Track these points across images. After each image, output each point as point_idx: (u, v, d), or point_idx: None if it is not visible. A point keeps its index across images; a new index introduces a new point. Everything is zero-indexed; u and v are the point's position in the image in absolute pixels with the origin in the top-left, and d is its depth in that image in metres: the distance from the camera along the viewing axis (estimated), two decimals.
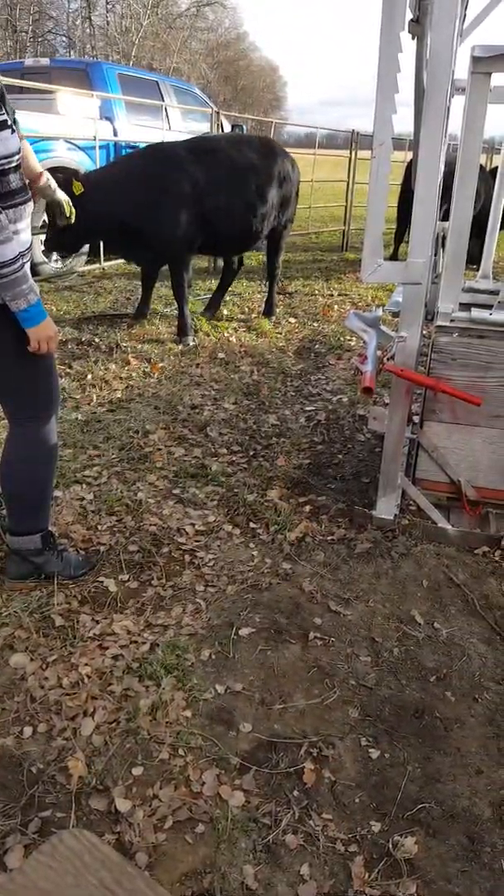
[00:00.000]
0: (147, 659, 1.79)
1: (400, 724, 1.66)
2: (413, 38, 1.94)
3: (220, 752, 1.55)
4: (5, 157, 1.65)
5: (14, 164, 1.69)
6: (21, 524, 2.04)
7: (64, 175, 3.90)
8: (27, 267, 1.69)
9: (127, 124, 6.86)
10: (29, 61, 7.80)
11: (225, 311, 5.43)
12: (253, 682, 1.75)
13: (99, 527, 2.39)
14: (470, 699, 1.73)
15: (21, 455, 1.97)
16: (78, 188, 3.91)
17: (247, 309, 5.64)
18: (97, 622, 1.93)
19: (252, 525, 2.46)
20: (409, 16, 1.85)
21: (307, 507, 2.57)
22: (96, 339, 4.47)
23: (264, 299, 5.53)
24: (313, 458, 3.02)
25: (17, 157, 1.71)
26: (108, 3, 34.60)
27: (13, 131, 1.72)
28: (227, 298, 5.75)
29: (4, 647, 1.82)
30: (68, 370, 3.94)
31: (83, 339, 4.50)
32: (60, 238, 4.20)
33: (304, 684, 1.76)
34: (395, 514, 2.40)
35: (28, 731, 1.59)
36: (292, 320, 5.42)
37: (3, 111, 1.66)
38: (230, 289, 5.68)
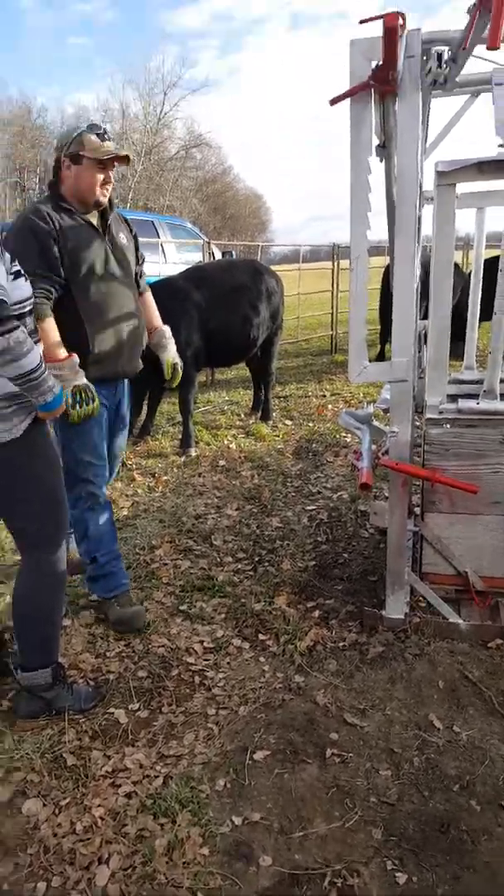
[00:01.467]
0: (161, 794, 1.72)
1: (426, 841, 1.57)
2: (381, 161, 2.12)
3: (241, 891, 1.46)
4: (19, 303, 1.80)
5: (28, 309, 1.84)
6: (32, 659, 2.03)
7: None
8: (48, 375, 1.83)
9: None
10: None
11: (223, 419, 5.60)
12: (271, 810, 1.67)
13: (108, 653, 2.37)
14: (496, 806, 1.64)
15: (31, 587, 1.99)
16: None
17: (244, 415, 5.81)
18: (109, 758, 1.87)
19: (261, 637, 2.42)
20: (375, 141, 2.06)
21: (316, 612, 2.54)
22: None
23: (260, 405, 5.71)
24: (318, 558, 3.02)
25: (28, 302, 1.85)
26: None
27: (26, 279, 1.88)
28: (226, 407, 5.95)
29: (17, 793, 1.77)
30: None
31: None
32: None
33: (323, 807, 1.68)
34: (406, 613, 2.37)
35: (42, 886, 1.52)
36: (288, 422, 5.57)
37: (16, 262, 1.83)
38: (228, 397, 5.89)
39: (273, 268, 5.77)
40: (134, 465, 4.52)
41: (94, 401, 2.23)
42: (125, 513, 3.72)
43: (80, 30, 69.98)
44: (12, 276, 1.80)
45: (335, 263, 9.66)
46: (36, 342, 1.82)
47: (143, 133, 31.17)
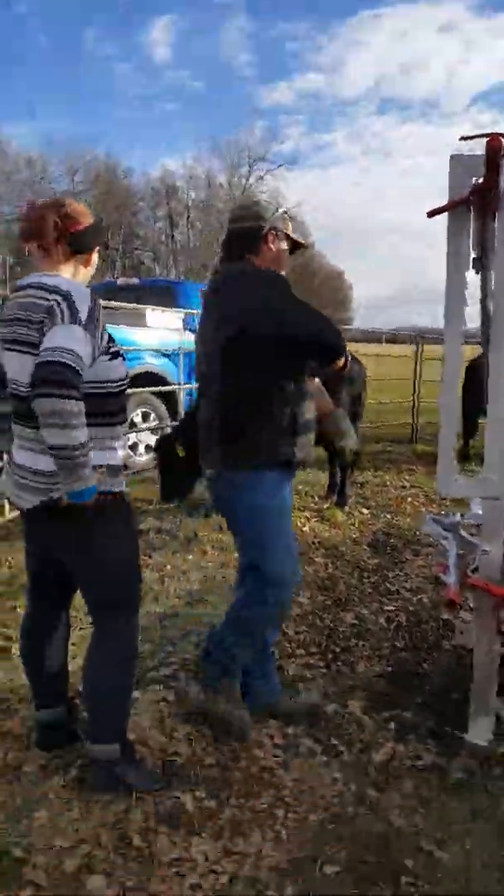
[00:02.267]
0: (227, 893, 1.76)
1: None
2: (477, 273, 2.22)
3: None
4: (113, 382, 1.97)
5: (118, 389, 1.99)
6: (101, 731, 2.11)
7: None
8: (91, 455, 1.82)
9: None
10: (121, 280, 9.18)
11: (297, 500, 5.72)
12: None
13: (175, 734, 2.43)
14: None
15: (104, 656, 2.09)
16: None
17: (317, 498, 5.92)
18: (175, 844, 1.93)
19: (333, 741, 2.44)
20: (472, 255, 2.19)
21: (392, 725, 2.55)
22: (173, 529, 4.76)
23: (336, 489, 5.81)
24: (396, 665, 3.02)
25: (123, 382, 2.01)
26: (189, 221, 40.86)
27: (123, 359, 2.06)
28: (299, 486, 6.08)
29: (82, 867, 1.84)
30: (148, 560, 4.19)
31: (163, 527, 4.80)
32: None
33: None
34: (490, 740, 2.35)
35: None
36: (365, 511, 5.63)
37: (114, 343, 2.03)
38: (303, 476, 6.02)
39: (353, 346, 6.01)
40: (206, 539, 4.67)
41: None
42: (196, 587, 3.84)
43: (169, 95, 73.24)
44: (108, 357, 1.93)
45: (419, 349, 9.90)
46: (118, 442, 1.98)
47: (227, 202, 33.24)
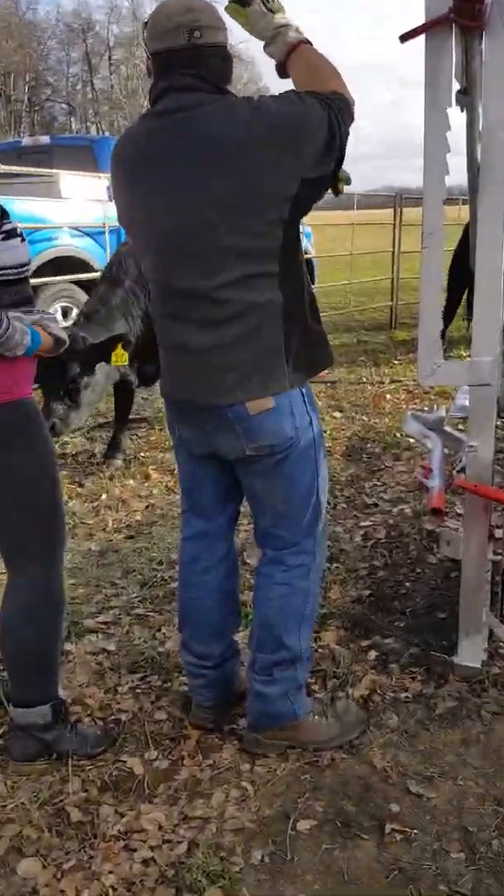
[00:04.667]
0: (185, 864, 1.75)
1: None
2: (462, 110, 2.11)
3: None
4: (8, 268, 1.84)
5: (16, 277, 1.88)
6: (27, 693, 2.08)
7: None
8: (15, 322, 1.82)
9: None
10: (27, 140, 8.58)
11: None
12: (318, 892, 1.69)
13: (119, 688, 2.41)
14: None
15: (22, 609, 2.03)
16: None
17: None
18: (122, 815, 1.91)
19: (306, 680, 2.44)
20: (455, 87, 2.04)
21: (372, 654, 2.55)
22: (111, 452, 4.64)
23: None
24: (375, 587, 3.03)
25: (22, 268, 1.90)
26: (111, 64, 38.16)
27: (23, 239, 1.92)
28: None
29: (11, 849, 1.81)
30: (79, 489, 4.11)
31: (96, 450, 4.68)
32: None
33: (382, 892, 1.69)
34: (483, 661, 2.37)
35: None
36: (337, 415, 5.57)
37: (7, 218, 1.87)
38: None
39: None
40: (149, 460, 4.57)
41: None
42: (138, 517, 3.78)
43: None
44: (2, 236, 1.83)
45: (398, 215, 9.57)
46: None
47: None
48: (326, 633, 2.67)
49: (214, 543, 2.17)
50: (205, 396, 1.90)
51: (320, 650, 2.58)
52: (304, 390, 1.94)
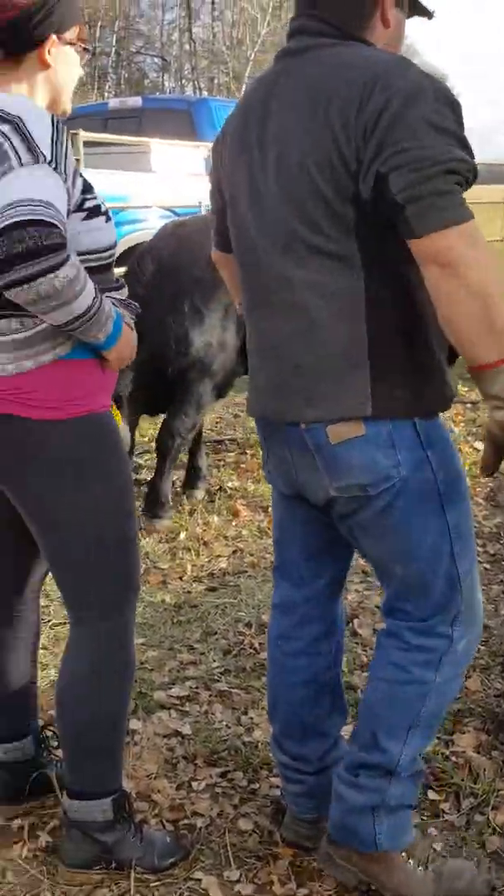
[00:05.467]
0: None
1: None
2: None
3: None
4: (94, 253, 1.86)
5: (102, 263, 1.90)
6: (84, 780, 2.06)
7: None
8: (105, 300, 1.83)
9: None
10: (114, 102, 8.87)
11: None
12: None
13: (194, 784, 2.38)
14: None
15: (83, 670, 2.03)
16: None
17: None
18: None
19: (430, 795, 2.36)
20: None
21: None
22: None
23: None
24: None
25: (110, 252, 1.93)
26: (214, 9, 39.09)
27: (109, 218, 1.94)
28: None
29: None
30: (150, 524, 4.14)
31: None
32: None
33: None
34: None
35: None
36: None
37: (92, 193, 1.89)
38: None
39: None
40: (238, 493, 4.58)
41: None
42: (223, 565, 3.78)
43: None
44: (85, 214, 1.85)
45: None
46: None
47: None
48: (462, 737, 2.59)
49: (307, 621, 2.07)
50: (276, 410, 1.86)
51: (453, 758, 2.49)
52: (418, 421, 1.78)
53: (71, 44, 1.93)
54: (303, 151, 1.67)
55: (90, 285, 1.74)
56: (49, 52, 1.88)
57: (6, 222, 1.60)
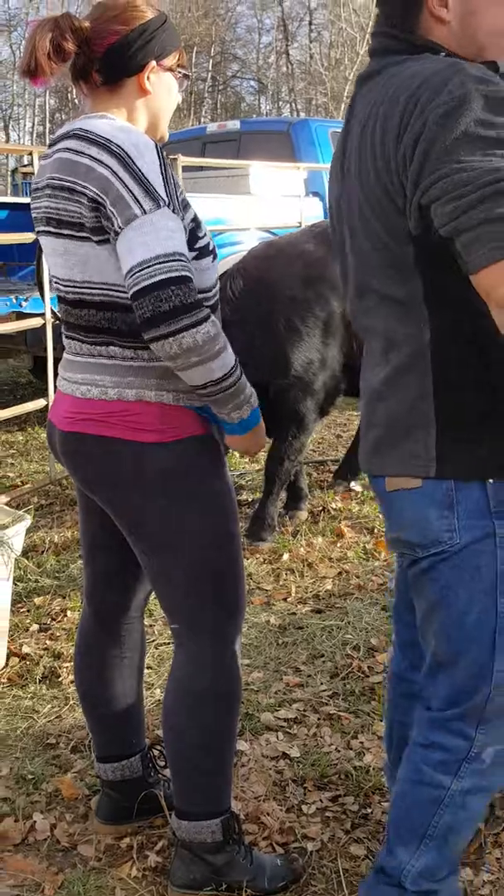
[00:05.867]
0: None
1: None
2: None
3: None
4: (202, 293, 1.84)
5: (212, 303, 1.92)
6: (193, 801, 2.05)
7: None
8: (248, 385, 1.85)
9: None
10: (212, 127, 8.98)
11: None
12: None
13: (304, 808, 2.35)
14: None
15: (189, 691, 2.03)
16: None
17: None
18: None
19: None
20: None
21: None
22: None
23: None
24: None
25: (216, 292, 1.95)
26: (311, 30, 39.08)
27: (215, 256, 1.95)
28: None
29: None
30: (254, 546, 4.14)
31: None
32: None
33: None
34: None
35: None
36: None
37: (200, 228, 1.89)
38: None
39: None
40: (342, 514, 4.53)
41: None
42: (328, 587, 3.74)
43: None
44: (195, 254, 1.84)
45: None
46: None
47: None
48: None
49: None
50: (361, 458, 1.82)
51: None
52: (492, 483, 1.58)
53: (170, 70, 1.95)
54: (360, 188, 1.59)
55: (231, 354, 1.77)
56: (149, 78, 1.90)
57: (148, 282, 1.64)
